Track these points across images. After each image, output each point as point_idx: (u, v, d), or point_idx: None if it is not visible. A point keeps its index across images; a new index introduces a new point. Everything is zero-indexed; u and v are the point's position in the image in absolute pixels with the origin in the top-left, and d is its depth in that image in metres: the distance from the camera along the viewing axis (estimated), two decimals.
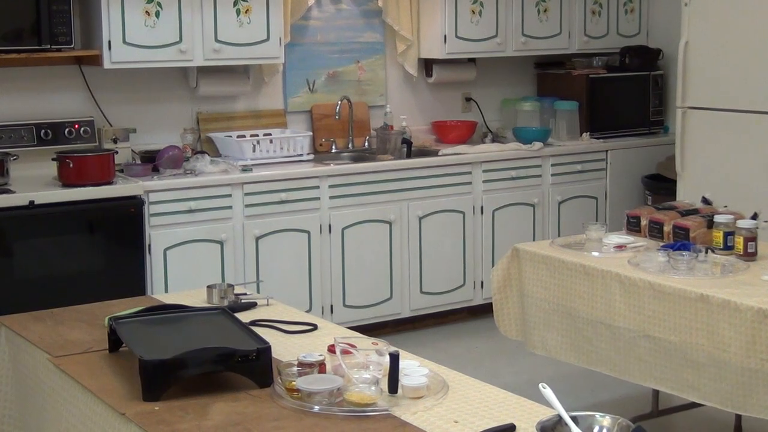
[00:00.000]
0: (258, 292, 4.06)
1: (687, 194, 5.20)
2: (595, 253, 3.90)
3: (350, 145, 5.93)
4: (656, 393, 4.29)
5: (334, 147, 5.88)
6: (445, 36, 5.96)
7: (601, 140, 6.29)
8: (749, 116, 5.13)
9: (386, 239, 5.51)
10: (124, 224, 4.75)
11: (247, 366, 2.46)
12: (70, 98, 5.19)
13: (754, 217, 3.84)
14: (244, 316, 3.02)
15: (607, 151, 6.25)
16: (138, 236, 4.78)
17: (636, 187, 6.31)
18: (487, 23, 6.08)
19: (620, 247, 3.94)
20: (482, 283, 5.82)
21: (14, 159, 4.82)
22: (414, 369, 2.49)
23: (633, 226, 4.18)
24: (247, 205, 5.08)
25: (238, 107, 5.67)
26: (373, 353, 2.45)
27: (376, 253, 5.48)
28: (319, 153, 5.77)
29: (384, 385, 2.39)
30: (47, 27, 4.75)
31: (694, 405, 4.13)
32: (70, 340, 2.91)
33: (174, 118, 5.46)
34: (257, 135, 5.48)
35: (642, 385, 3.73)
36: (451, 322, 5.90)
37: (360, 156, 5.81)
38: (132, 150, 5.23)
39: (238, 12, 5.23)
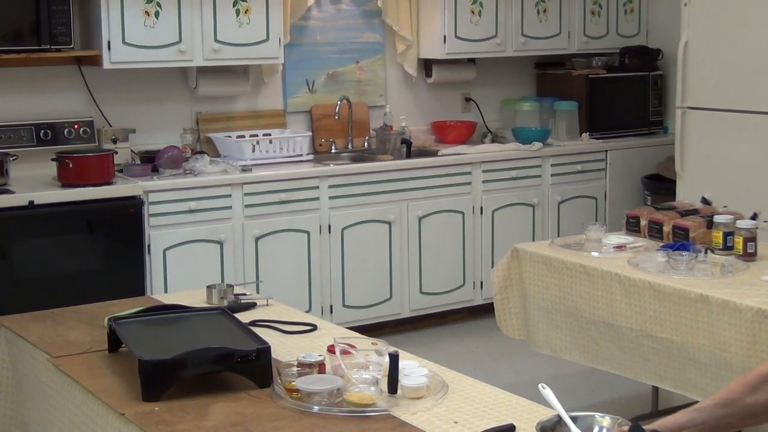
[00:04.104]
0: (257, 292, 4.06)
1: (686, 194, 5.20)
2: (595, 254, 3.90)
3: (350, 146, 5.93)
4: (656, 393, 4.30)
5: (333, 147, 5.88)
6: (444, 36, 5.96)
7: (601, 140, 6.29)
8: (749, 116, 5.13)
9: (386, 239, 5.51)
10: (124, 224, 4.75)
11: (247, 366, 2.46)
12: (69, 98, 5.18)
13: (754, 217, 3.84)
14: (244, 317, 3.02)
15: (606, 151, 6.25)
16: (137, 236, 4.78)
17: (635, 188, 6.31)
18: (487, 23, 6.08)
19: (620, 248, 3.94)
20: (482, 283, 5.82)
21: (14, 159, 4.82)
22: (414, 369, 2.49)
23: (632, 226, 4.18)
24: (246, 206, 5.08)
25: (237, 107, 5.67)
26: (372, 353, 2.44)
27: (376, 253, 5.48)
28: (319, 153, 5.77)
29: (384, 385, 2.39)
30: (47, 27, 4.75)
31: (693, 404, 4.12)
32: (69, 340, 2.90)
33: (173, 119, 5.46)
34: (257, 135, 5.48)
35: (647, 383, 3.73)
36: (451, 322, 5.90)
37: (359, 156, 5.81)
38: (131, 150, 5.23)
39: (237, 12, 5.23)
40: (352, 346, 2.46)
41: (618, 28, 6.62)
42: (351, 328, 3.35)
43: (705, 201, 4.23)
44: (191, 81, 5.44)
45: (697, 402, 2.21)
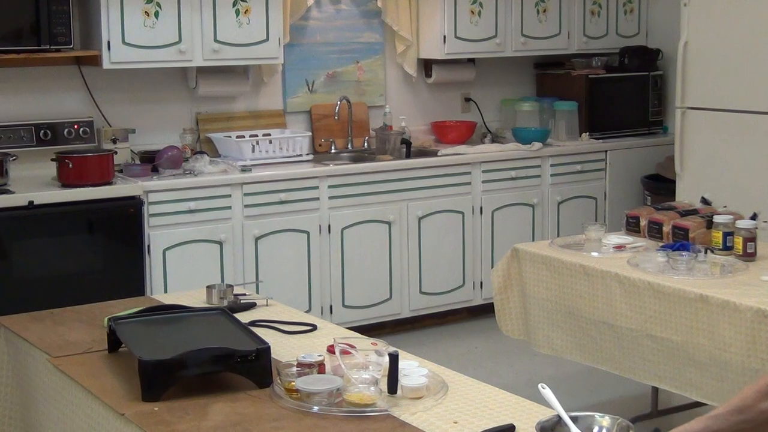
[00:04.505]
0: (257, 292, 4.07)
1: (686, 194, 5.20)
2: (595, 254, 3.90)
3: (349, 146, 5.93)
4: (655, 393, 4.30)
5: (333, 147, 5.88)
6: (444, 36, 5.96)
7: (601, 140, 6.29)
8: (749, 116, 5.13)
9: (386, 239, 5.51)
10: (124, 224, 4.75)
11: (247, 366, 2.46)
12: (69, 98, 5.18)
13: (754, 217, 3.84)
14: (244, 317, 3.02)
15: (606, 151, 6.25)
16: (137, 236, 4.78)
17: (635, 188, 6.31)
18: (487, 23, 6.08)
19: (619, 248, 3.94)
20: (482, 283, 5.82)
21: (13, 159, 4.81)
22: (413, 369, 2.49)
23: (632, 226, 4.18)
24: (246, 206, 5.08)
25: (237, 107, 5.67)
26: (372, 353, 2.45)
27: (376, 253, 5.48)
28: (319, 153, 5.77)
29: (383, 385, 2.39)
30: (46, 27, 4.75)
31: (693, 405, 4.13)
32: (69, 340, 2.91)
33: (173, 119, 5.46)
34: (256, 135, 5.48)
35: (646, 383, 3.73)
36: (451, 322, 5.90)
37: (359, 156, 5.81)
38: (131, 150, 5.23)
39: (237, 12, 5.23)
40: (352, 346, 2.46)
41: (618, 28, 6.62)
42: (351, 328, 3.35)
43: (705, 201, 4.23)
44: (191, 81, 5.44)
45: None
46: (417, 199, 5.59)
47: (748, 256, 3.71)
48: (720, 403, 3.31)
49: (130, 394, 2.44)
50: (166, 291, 4.76)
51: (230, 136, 5.42)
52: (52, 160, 4.78)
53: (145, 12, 4.99)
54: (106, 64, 4.94)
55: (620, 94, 6.48)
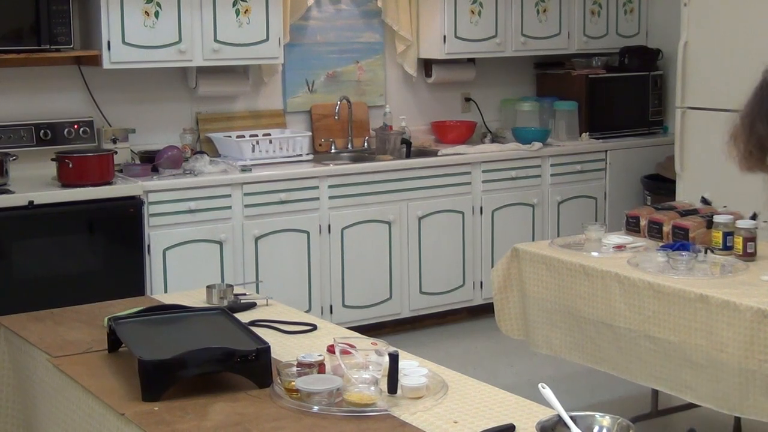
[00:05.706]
0: (257, 292, 4.06)
1: (686, 194, 5.20)
2: (595, 254, 3.90)
3: (349, 146, 5.93)
4: (655, 393, 4.30)
5: (333, 147, 5.88)
6: (444, 36, 5.96)
7: (601, 140, 6.29)
8: None
9: (386, 239, 5.51)
10: (124, 224, 4.75)
11: (247, 366, 2.46)
12: (69, 98, 5.18)
13: (754, 217, 3.84)
14: (244, 317, 3.02)
15: (606, 151, 6.25)
16: (137, 236, 4.78)
17: (635, 188, 6.31)
18: (487, 23, 6.08)
19: (619, 248, 3.94)
20: (482, 283, 5.82)
21: (13, 159, 4.81)
22: (413, 369, 2.49)
23: (632, 226, 4.18)
24: (246, 206, 5.08)
25: (237, 107, 5.67)
26: (372, 353, 2.45)
27: (376, 253, 5.48)
28: (319, 153, 5.77)
29: (383, 385, 2.39)
30: (46, 27, 4.75)
31: (693, 405, 4.13)
32: (69, 340, 2.91)
33: (173, 119, 5.46)
34: (256, 135, 5.48)
35: (643, 384, 3.73)
36: (451, 322, 5.90)
37: (359, 156, 5.81)
38: (131, 150, 5.23)
39: (237, 12, 5.23)
40: (352, 346, 2.46)
41: (618, 28, 6.62)
42: (351, 328, 3.35)
43: (705, 201, 4.23)
44: (191, 81, 5.44)
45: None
46: (417, 199, 5.59)
47: (748, 256, 3.71)
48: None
49: (130, 394, 2.44)
50: (166, 291, 4.76)
51: (230, 136, 5.42)
52: (52, 160, 4.78)
53: (145, 12, 4.99)
54: (106, 64, 4.94)
55: (620, 94, 6.48)
